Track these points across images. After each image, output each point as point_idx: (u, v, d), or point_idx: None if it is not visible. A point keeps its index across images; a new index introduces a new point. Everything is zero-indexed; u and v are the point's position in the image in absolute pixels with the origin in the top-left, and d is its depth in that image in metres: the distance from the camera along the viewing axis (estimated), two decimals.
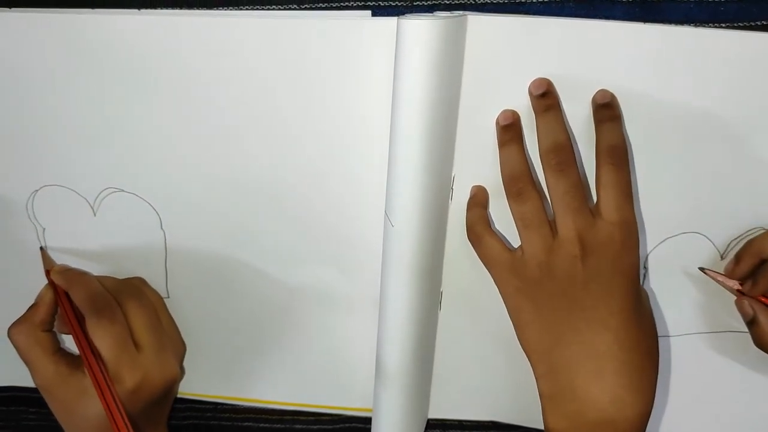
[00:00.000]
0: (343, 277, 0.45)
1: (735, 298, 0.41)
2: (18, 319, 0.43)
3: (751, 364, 0.44)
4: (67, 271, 0.44)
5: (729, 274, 0.41)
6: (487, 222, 0.40)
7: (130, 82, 0.40)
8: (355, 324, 0.46)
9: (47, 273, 0.45)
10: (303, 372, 0.49)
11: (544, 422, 0.38)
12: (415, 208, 0.38)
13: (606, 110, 0.37)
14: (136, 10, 0.38)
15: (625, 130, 0.39)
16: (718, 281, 0.41)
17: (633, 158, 0.39)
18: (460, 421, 0.49)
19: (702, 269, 0.41)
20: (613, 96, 0.38)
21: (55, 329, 0.44)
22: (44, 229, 0.46)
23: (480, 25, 0.36)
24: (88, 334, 0.41)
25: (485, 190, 0.41)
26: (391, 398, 0.44)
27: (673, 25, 0.37)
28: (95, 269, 0.46)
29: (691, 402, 0.46)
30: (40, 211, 0.45)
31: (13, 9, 0.39)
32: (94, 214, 0.45)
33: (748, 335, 0.40)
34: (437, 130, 0.37)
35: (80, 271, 0.45)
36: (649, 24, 0.36)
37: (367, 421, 0.46)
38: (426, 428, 0.48)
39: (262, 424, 0.51)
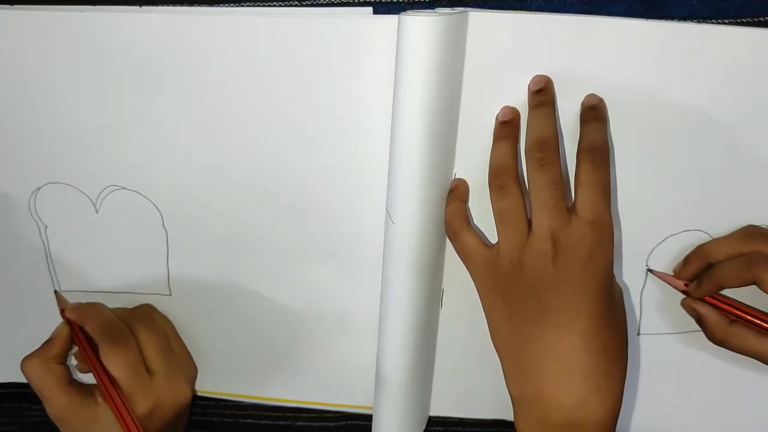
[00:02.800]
0: (344, 274, 0.45)
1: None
2: (32, 352, 0.44)
3: (753, 361, 0.44)
4: (81, 306, 0.45)
5: (677, 275, 0.41)
6: (466, 217, 0.40)
7: (132, 80, 0.40)
8: (356, 322, 0.46)
9: (62, 312, 0.45)
10: (304, 370, 0.49)
11: (515, 424, 0.37)
12: (416, 205, 0.38)
13: (592, 111, 0.37)
14: (137, 7, 0.38)
15: (626, 129, 0.38)
16: (665, 281, 0.42)
17: (636, 156, 0.39)
18: (461, 419, 0.49)
19: (650, 270, 0.42)
20: (600, 99, 0.38)
21: (75, 366, 0.45)
22: (46, 226, 0.46)
23: (481, 21, 0.36)
24: (102, 363, 0.42)
25: (466, 183, 0.40)
26: (392, 396, 0.44)
27: (675, 21, 0.37)
28: (96, 268, 0.47)
29: (693, 398, 0.46)
30: (42, 209, 0.45)
31: (15, 6, 0.39)
32: (96, 212, 0.45)
33: None
34: (438, 126, 0.37)
35: (93, 303, 0.46)
36: (651, 21, 0.36)
37: (370, 418, 0.46)
38: (427, 426, 0.48)
39: (264, 421, 0.51)
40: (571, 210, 0.36)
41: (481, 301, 0.39)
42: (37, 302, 0.48)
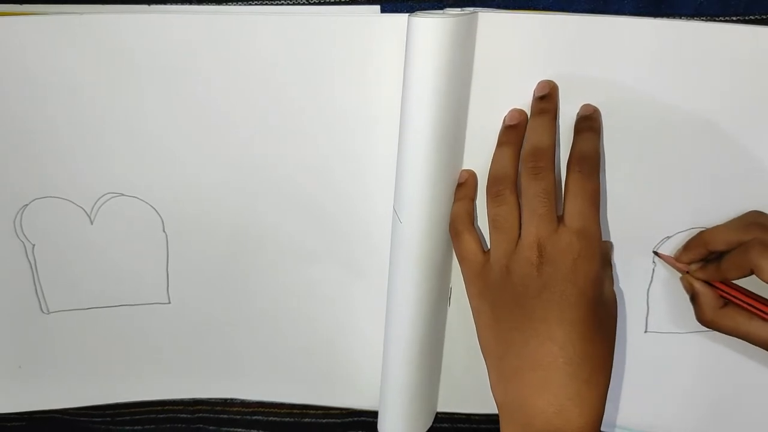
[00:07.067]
0: (350, 275, 0.45)
1: None
2: None
3: (754, 360, 0.44)
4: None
5: (677, 259, 0.41)
6: (470, 218, 0.40)
7: (133, 82, 0.39)
8: (363, 322, 0.46)
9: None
10: (310, 371, 0.49)
11: (500, 428, 0.38)
12: (424, 205, 0.38)
13: (585, 121, 0.38)
14: (145, 6, 0.38)
15: (633, 127, 0.38)
16: (668, 263, 0.42)
17: (642, 154, 0.39)
18: (468, 415, 0.49)
19: (655, 252, 0.42)
20: (595, 109, 0.38)
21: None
22: (34, 245, 0.44)
23: (491, 21, 0.36)
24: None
25: (475, 176, 0.40)
26: (398, 393, 0.44)
27: (683, 19, 0.37)
28: (89, 284, 0.45)
29: (694, 396, 0.46)
30: (29, 227, 0.43)
31: (24, 5, 0.38)
32: (91, 223, 0.44)
33: None
34: (447, 126, 0.36)
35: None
36: (660, 19, 0.36)
37: (377, 414, 0.47)
38: (434, 422, 0.48)
39: (271, 418, 0.51)
40: (560, 219, 0.37)
41: (470, 304, 0.39)
42: (23, 326, 0.47)
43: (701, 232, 0.40)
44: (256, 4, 0.38)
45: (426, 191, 0.38)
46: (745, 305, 0.39)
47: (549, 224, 0.36)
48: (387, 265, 0.41)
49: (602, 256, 0.37)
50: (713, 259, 0.40)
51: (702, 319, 0.40)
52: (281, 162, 0.42)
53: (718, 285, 0.40)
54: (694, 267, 0.41)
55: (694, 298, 0.41)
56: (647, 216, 0.41)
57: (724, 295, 0.40)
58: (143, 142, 0.41)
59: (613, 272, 0.43)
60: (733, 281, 0.39)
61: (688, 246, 0.41)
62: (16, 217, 0.43)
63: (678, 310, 0.43)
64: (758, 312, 0.38)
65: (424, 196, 0.38)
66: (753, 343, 0.39)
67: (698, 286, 0.40)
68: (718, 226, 0.40)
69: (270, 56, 0.38)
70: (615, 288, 0.41)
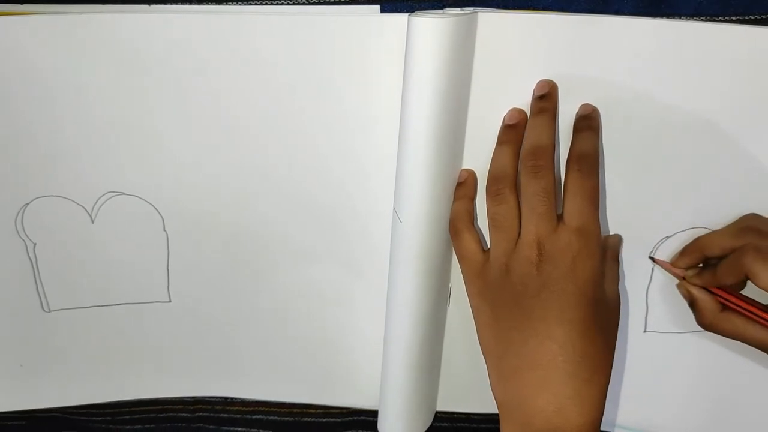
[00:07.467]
0: (350, 274, 0.45)
1: None
2: None
3: (754, 360, 0.44)
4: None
5: (673, 264, 0.42)
6: (470, 217, 0.40)
7: (132, 80, 0.39)
8: (363, 322, 0.46)
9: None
10: (310, 371, 0.49)
11: (500, 427, 0.38)
12: (424, 205, 0.38)
13: (585, 120, 0.38)
14: (145, 6, 0.38)
15: (633, 127, 0.38)
16: (665, 269, 0.42)
17: (642, 154, 0.39)
18: (468, 414, 0.49)
19: (652, 258, 0.42)
20: (594, 109, 0.38)
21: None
22: (35, 244, 0.44)
23: (491, 21, 0.36)
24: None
25: (475, 176, 0.40)
26: (398, 393, 0.44)
27: (682, 19, 0.37)
28: (90, 282, 0.45)
29: (694, 396, 0.46)
30: (30, 226, 0.44)
31: (24, 5, 0.38)
32: (92, 222, 0.44)
33: None
34: (447, 126, 0.37)
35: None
36: (659, 19, 0.36)
37: (376, 413, 0.47)
38: (434, 421, 0.49)
39: (271, 417, 0.51)
40: (559, 218, 0.37)
41: (470, 303, 0.39)
42: (24, 325, 0.47)
43: (697, 238, 0.41)
44: (256, 4, 0.38)
45: (426, 191, 0.38)
46: (742, 311, 0.39)
47: (548, 223, 0.36)
48: (387, 265, 0.41)
49: (603, 253, 0.37)
50: (710, 264, 0.40)
51: (702, 323, 0.40)
52: (281, 162, 0.42)
53: (715, 291, 0.40)
54: (690, 273, 0.41)
55: (692, 304, 0.41)
56: (646, 216, 0.41)
57: (722, 300, 0.40)
58: (144, 141, 0.41)
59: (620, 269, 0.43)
60: (729, 289, 0.40)
61: (684, 251, 0.41)
62: (17, 215, 0.43)
63: (677, 310, 0.43)
64: (755, 318, 0.38)
65: (424, 195, 0.38)
66: (753, 346, 0.39)
67: (696, 291, 0.40)
68: (713, 232, 0.40)
69: (270, 56, 0.38)
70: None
